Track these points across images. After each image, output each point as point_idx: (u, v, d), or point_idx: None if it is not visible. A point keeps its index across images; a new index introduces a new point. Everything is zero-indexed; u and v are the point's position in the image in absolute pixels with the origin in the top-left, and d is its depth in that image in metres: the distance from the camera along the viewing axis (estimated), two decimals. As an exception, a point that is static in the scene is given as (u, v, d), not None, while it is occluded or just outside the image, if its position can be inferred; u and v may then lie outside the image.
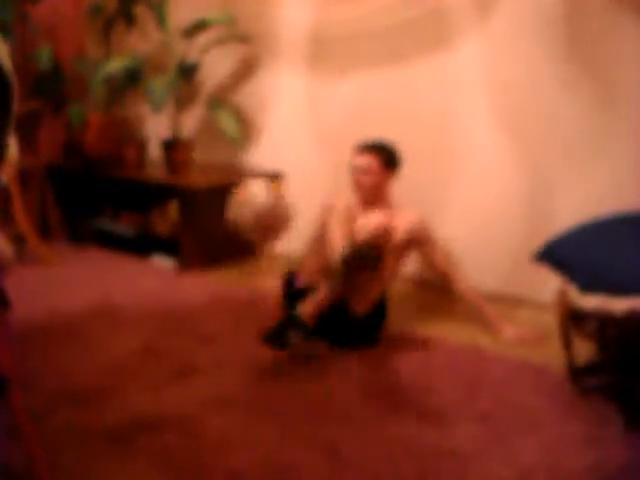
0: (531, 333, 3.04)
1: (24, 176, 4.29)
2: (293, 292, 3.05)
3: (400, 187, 3.31)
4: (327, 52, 4.05)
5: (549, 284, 2.71)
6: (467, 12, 3.48)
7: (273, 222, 3.23)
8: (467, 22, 3.49)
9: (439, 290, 3.30)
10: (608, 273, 2.30)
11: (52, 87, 4.59)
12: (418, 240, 3.13)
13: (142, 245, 4.45)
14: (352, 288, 2.87)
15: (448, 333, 3.08)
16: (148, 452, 2.07)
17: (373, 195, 3.22)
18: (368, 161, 3.18)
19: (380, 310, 3.03)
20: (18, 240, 4.04)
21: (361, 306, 2.93)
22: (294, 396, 2.45)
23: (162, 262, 4.24)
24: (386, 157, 3.21)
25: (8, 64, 1.48)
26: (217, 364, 2.71)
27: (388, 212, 3.16)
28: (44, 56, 4.44)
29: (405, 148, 3.28)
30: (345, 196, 3.21)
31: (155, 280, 3.87)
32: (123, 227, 4.60)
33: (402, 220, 3.11)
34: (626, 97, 3.10)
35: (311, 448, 2.10)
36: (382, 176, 3.21)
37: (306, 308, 2.77)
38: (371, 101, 3.88)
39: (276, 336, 2.68)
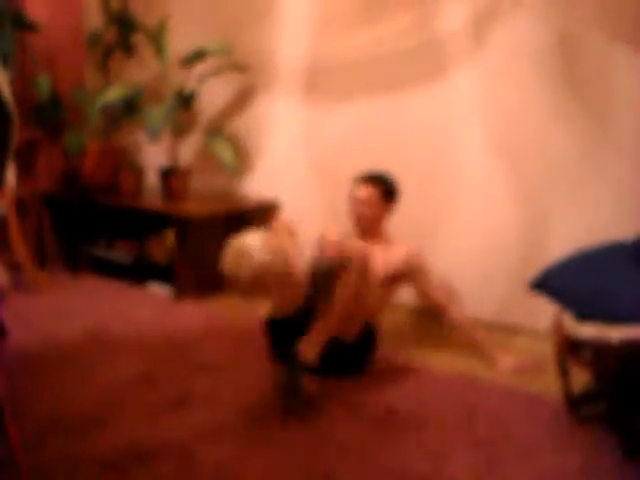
0: (527, 362, 3.03)
1: (21, 204, 4.31)
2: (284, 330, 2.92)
3: (395, 215, 3.33)
4: (323, 81, 4.08)
5: (545, 312, 2.71)
6: (462, 43, 3.52)
7: (273, 280, 2.80)
8: (462, 53, 3.52)
9: (435, 319, 3.30)
10: (603, 301, 2.30)
11: (50, 116, 4.62)
12: (413, 271, 3.14)
13: (138, 273, 4.45)
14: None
15: (444, 362, 3.08)
16: (142, 481, 2.05)
17: (371, 227, 3.23)
18: (368, 193, 3.20)
19: (369, 337, 2.99)
20: (14, 268, 4.04)
21: (348, 333, 2.88)
22: (290, 426, 2.44)
23: (158, 290, 4.23)
24: (386, 189, 3.23)
25: (8, 96, 1.49)
26: (213, 393, 2.69)
27: (383, 244, 3.19)
28: (43, 85, 4.48)
29: (400, 177, 3.30)
30: (338, 228, 3.22)
31: (151, 308, 3.86)
32: (119, 255, 4.61)
33: (397, 251, 3.14)
34: (619, 128, 3.13)
35: (304, 477, 2.09)
36: (381, 208, 3.23)
37: (309, 350, 2.66)
38: (367, 130, 3.91)
39: (293, 390, 2.56)
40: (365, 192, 3.21)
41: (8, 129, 1.50)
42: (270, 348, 3.01)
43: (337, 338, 2.83)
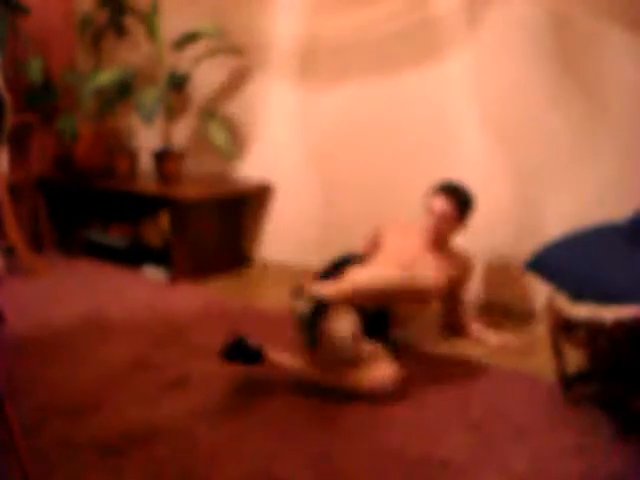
0: (515, 340, 3.05)
1: (15, 189, 4.29)
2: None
3: (390, 192, 3.33)
4: (317, 64, 4.07)
5: (539, 293, 2.73)
6: (456, 25, 3.51)
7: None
8: (456, 35, 3.51)
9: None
10: (597, 282, 2.32)
11: (43, 99, 4.60)
12: (460, 277, 3.16)
13: (133, 256, 4.45)
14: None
15: (442, 345, 3.10)
16: (140, 465, 2.06)
17: (442, 240, 3.16)
18: (448, 208, 3.09)
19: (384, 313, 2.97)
20: (9, 252, 4.04)
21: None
22: (284, 407, 2.45)
23: (153, 273, 4.24)
24: (463, 205, 3.13)
25: (1, 80, 1.49)
26: (210, 376, 2.70)
27: (444, 256, 3.16)
28: (35, 69, 4.45)
29: (395, 158, 3.31)
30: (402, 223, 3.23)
31: (146, 291, 3.86)
32: (114, 238, 4.60)
33: (455, 261, 3.16)
34: (612, 109, 3.13)
35: (301, 458, 2.11)
36: (456, 223, 3.15)
37: (330, 289, 2.58)
38: (361, 112, 3.90)
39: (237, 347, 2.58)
40: (445, 207, 3.09)
41: (1, 114, 1.49)
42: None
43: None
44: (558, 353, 2.53)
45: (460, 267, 3.16)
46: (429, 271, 3.00)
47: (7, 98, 1.50)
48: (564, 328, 2.43)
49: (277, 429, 2.30)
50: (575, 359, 2.55)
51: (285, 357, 2.66)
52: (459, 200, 3.11)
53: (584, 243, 2.55)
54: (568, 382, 2.54)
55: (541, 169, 3.34)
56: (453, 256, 3.18)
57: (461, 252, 3.21)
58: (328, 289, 2.57)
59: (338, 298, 2.56)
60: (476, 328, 3.15)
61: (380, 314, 2.91)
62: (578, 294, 2.35)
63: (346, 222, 3.99)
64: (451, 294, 3.17)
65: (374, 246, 3.24)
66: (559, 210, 3.28)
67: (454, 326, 3.21)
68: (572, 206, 3.24)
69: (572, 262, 2.48)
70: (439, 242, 3.15)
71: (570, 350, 2.51)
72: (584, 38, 3.15)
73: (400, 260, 3.01)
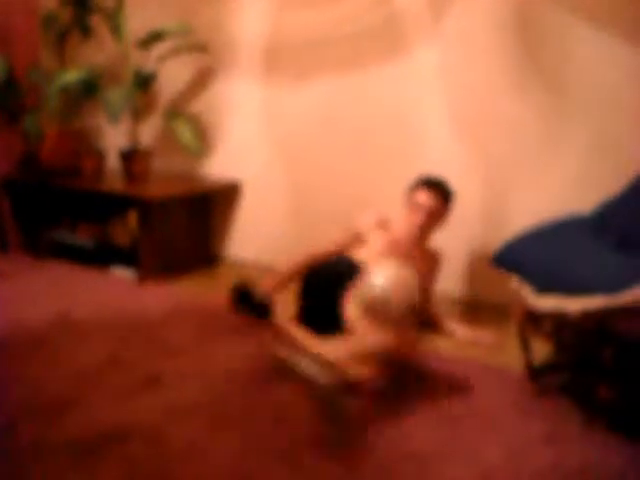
0: (486, 335, 3.07)
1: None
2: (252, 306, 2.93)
3: (358, 189, 3.35)
4: (284, 60, 4.08)
5: (508, 287, 2.76)
6: (421, 19, 3.54)
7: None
8: (422, 28, 3.55)
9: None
10: (561, 274, 2.36)
11: (7, 98, 4.54)
12: (430, 270, 3.20)
13: (101, 256, 4.42)
14: None
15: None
16: (114, 463, 2.06)
17: (425, 236, 3.17)
18: (431, 202, 3.09)
19: None
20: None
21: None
22: (255, 405, 2.46)
23: (122, 273, 4.21)
24: (445, 198, 3.14)
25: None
26: (182, 374, 2.70)
27: (424, 250, 3.19)
28: (-1, 67, 4.40)
29: (362, 154, 3.33)
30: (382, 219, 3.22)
31: (116, 291, 3.84)
32: (82, 239, 4.57)
33: (431, 255, 3.22)
34: (578, 102, 3.18)
35: (274, 454, 2.12)
36: (440, 217, 3.16)
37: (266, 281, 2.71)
38: (328, 109, 3.92)
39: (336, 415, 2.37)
40: (429, 201, 3.09)
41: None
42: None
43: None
44: (525, 345, 2.58)
45: (432, 262, 3.20)
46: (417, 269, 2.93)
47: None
48: (531, 320, 2.47)
49: (249, 426, 2.31)
50: (543, 350, 2.60)
51: (290, 325, 2.67)
52: (443, 194, 3.13)
53: (549, 235, 2.60)
54: (536, 373, 2.59)
55: (508, 163, 3.39)
56: (426, 251, 3.21)
57: (431, 247, 3.24)
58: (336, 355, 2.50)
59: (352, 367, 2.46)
60: (450, 324, 3.18)
61: None
62: (543, 286, 2.39)
63: (314, 219, 4.01)
64: (422, 290, 3.18)
65: (355, 240, 3.18)
66: (526, 203, 3.33)
67: (428, 321, 3.22)
68: (539, 199, 3.29)
69: (537, 254, 2.52)
70: (422, 238, 3.16)
71: (538, 342, 2.55)
72: (550, 31, 3.20)
73: (396, 256, 3.00)
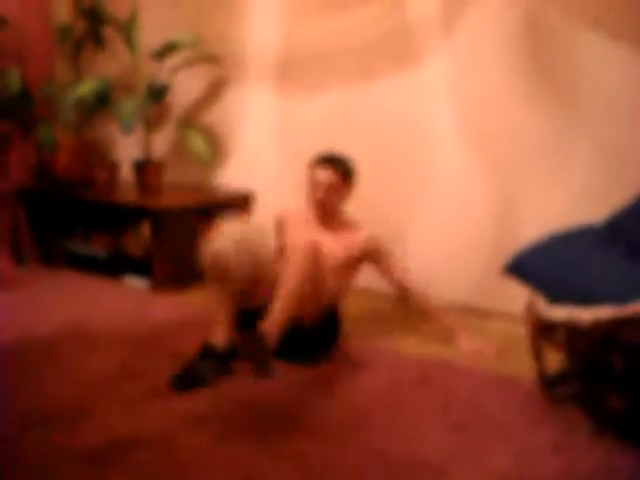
0: (489, 347, 3.07)
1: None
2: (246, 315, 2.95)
3: (369, 202, 3.36)
4: (295, 71, 4.10)
5: (519, 296, 2.76)
6: (432, 29, 3.56)
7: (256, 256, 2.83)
8: (433, 39, 3.56)
9: (405, 303, 3.33)
10: (575, 283, 2.35)
11: (21, 110, 4.58)
12: (373, 256, 3.17)
13: (114, 266, 4.45)
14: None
15: (418, 346, 3.13)
16: (125, 471, 2.06)
17: (331, 211, 3.21)
18: (327, 176, 3.13)
19: (330, 323, 3.02)
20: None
21: (309, 318, 2.90)
22: (265, 412, 2.46)
23: (135, 283, 4.23)
24: (343, 171, 3.17)
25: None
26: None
27: (342, 228, 3.20)
28: (13, 79, 4.44)
29: (373, 164, 3.33)
30: (295, 208, 3.29)
31: (128, 301, 3.86)
32: (95, 249, 4.59)
33: (357, 234, 3.17)
34: (588, 112, 3.18)
35: (284, 462, 2.12)
36: (342, 192, 3.19)
37: (269, 329, 2.67)
38: (340, 118, 3.93)
39: (188, 376, 2.67)
40: (324, 175, 3.14)
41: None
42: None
43: (299, 324, 2.85)
44: (538, 354, 2.56)
45: (361, 236, 3.17)
46: (334, 249, 3.08)
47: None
48: (543, 330, 2.46)
49: (258, 434, 2.31)
50: (554, 360, 2.58)
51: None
52: (341, 168, 3.16)
53: (561, 245, 2.59)
54: (548, 383, 2.58)
55: (518, 173, 3.38)
56: (351, 228, 3.22)
57: (360, 228, 3.23)
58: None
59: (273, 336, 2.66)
60: (451, 326, 3.17)
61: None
62: (556, 296, 2.38)
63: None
64: (381, 271, 3.20)
65: (279, 237, 3.30)
66: (537, 213, 3.33)
67: (399, 293, 3.26)
68: (550, 209, 3.28)
69: (549, 264, 2.51)
70: (330, 215, 3.20)
71: (549, 351, 2.54)
72: (559, 41, 3.20)
73: (311, 235, 3.03)
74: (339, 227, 3.22)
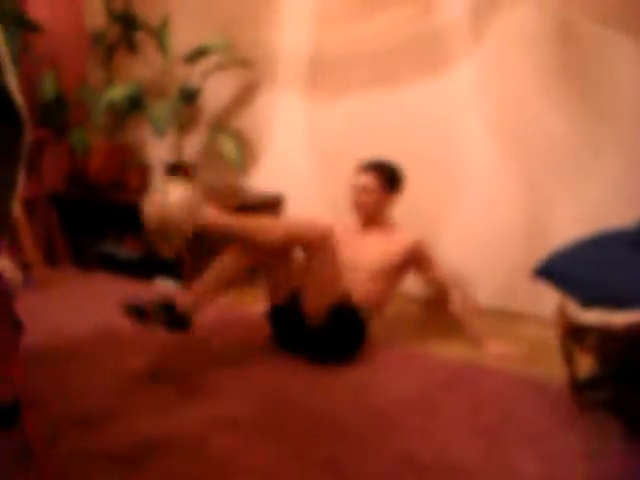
0: (515, 351, 3.07)
1: (29, 203, 4.34)
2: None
3: (400, 205, 3.36)
4: (325, 74, 4.11)
5: (549, 298, 2.74)
6: (462, 33, 3.55)
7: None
8: (462, 43, 3.55)
9: (440, 307, 3.32)
10: (606, 288, 2.33)
11: (56, 115, 4.65)
12: (416, 259, 3.17)
13: (146, 268, 4.49)
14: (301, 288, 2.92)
15: (449, 349, 3.12)
16: (156, 475, 2.08)
17: (372, 215, 3.24)
18: (367, 180, 3.19)
19: (340, 322, 2.96)
20: (24, 266, 4.08)
21: (312, 315, 2.91)
22: (295, 417, 2.47)
23: (166, 285, 4.27)
24: (386, 177, 3.22)
25: (20, 100, 1.53)
26: (224, 385, 2.73)
27: (386, 233, 3.22)
28: (48, 85, 4.51)
29: (404, 168, 3.33)
30: (342, 220, 3.32)
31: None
32: (127, 251, 4.64)
33: (401, 239, 3.16)
34: (619, 114, 3.16)
35: (314, 466, 2.13)
36: (381, 196, 3.22)
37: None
38: (370, 122, 3.94)
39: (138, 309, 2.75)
40: (364, 179, 3.20)
41: (22, 134, 1.54)
42: (275, 336, 3.11)
43: (305, 321, 2.91)
44: (569, 359, 2.55)
45: (407, 241, 3.17)
46: (373, 252, 3.11)
47: (27, 118, 1.54)
48: (574, 334, 2.45)
49: (289, 439, 2.32)
50: (585, 364, 2.57)
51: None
52: (381, 172, 3.20)
53: (593, 249, 2.57)
54: (579, 387, 2.56)
55: (548, 177, 3.37)
56: (395, 233, 3.24)
57: (406, 233, 3.24)
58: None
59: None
60: (476, 333, 3.16)
61: None
62: (588, 300, 2.37)
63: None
64: (422, 274, 3.22)
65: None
66: (568, 216, 3.31)
67: (439, 298, 3.26)
68: (581, 212, 3.26)
69: (581, 268, 2.50)
70: (371, 219, 3.24)
71: (580, 355, 2.52)
72: (589, 46, 3.19)
73: (344, 260, 3.04)
74: (382, 232, 3.25)
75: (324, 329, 2.91)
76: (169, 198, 2.80)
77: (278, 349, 3.08)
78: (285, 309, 3.01)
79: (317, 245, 2.81)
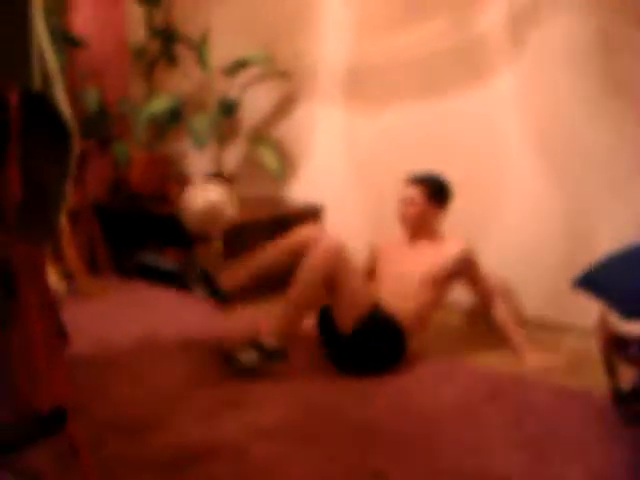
0: (556, 360, 3.04)
1: (73, 214, 4.42)
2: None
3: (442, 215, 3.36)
4: (364, 85, 4.13)
5: (593, 309, 2.72)
6: (502, 44, 3.54)
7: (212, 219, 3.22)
8: (501, 53, 3.55)
9: (484, 317, 3.31)
10: (649, 299, 2.31)
11: (99, 128, 4.73)
12: (463, 269, 3.16)
13: (185, 279, 4.53)
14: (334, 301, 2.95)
15: (493, 361, 3.11)
16: (198, 481, 2.10)
17: (418, 228, 3.25)
18: (414, 193, 3.22)
19: (373, 332, 2.96)
20: (67, 276, 4.16)
21: (344, 324, 2.92)
22: (337, 427, 2.48)
23: (204, 295, 4.30)
24: (433, 190, 3.23)
25: (69, 114, 1.57)
26: (264, 394, 2.75)
27: (433, 245, 3.21)
28: (92, 98, 4.60)
29: (443, 176, 3.34)
30: (391, 240, 3.38)
31: (199, 313, 3.93)
32: (167, 261, 4.70)
33: (448, 250, 3.16)
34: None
35: (358, 476, 2.13)
36: (427, 208, 3.23)
37: (272, 329, 2.88)
38: (408, 133, 3.94)
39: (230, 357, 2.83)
40: (410, 192, 3.23)
41: (70, 147, 1.58)
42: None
43: (334, 329, 2.96)
44: (611, 370, 2.52)
45: (455, 251, 3.17)
46: (420, 264, 3.13)
47: (76, 131, 1.58)
48: (617, 345, 2.42)
49: (330, 448, 2.32)
50: (628, 376, 2.54)
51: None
52: (427, 185, 3.22)
53: (634, 260, 2.54)
54: (622, 399, 2.53)
55: (590, 185, 3.34)
56: (444, 244, 3.24)
57: (453, 241, 3.24)
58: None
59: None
60: (519, 344, 3.13)
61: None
62: (631, 311, 2.34)
63: (395, 242, 4.02)
64: (469, 283, 3.23)
65: (372, 265, 3.38)
66: (611, 227, 3.28)
67: (481, 307, 3.27)
68: (623, 223, 3.23)
69: (624, 279, 2.47)
70: (419, 231, 3.26)
71: (623, 367, 2.50)
72: (630, 52, 3.16)
73: (391, 273, 3.16)
74: (430, 244, 3.25)
75: (356, 339, 2.92)
76: (207, 195, 2.93)
77: (321, 359, 3.09)
78: (323, 318, 3.05)
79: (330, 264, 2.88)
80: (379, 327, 2.96)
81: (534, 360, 3.04)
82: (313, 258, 2.88)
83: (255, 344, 2.85)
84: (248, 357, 2.78)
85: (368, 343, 2.94)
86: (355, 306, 2.92)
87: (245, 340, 2.88)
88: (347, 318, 2.91)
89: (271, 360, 2.83)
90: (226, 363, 2.83)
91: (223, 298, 2.86)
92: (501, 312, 3.17)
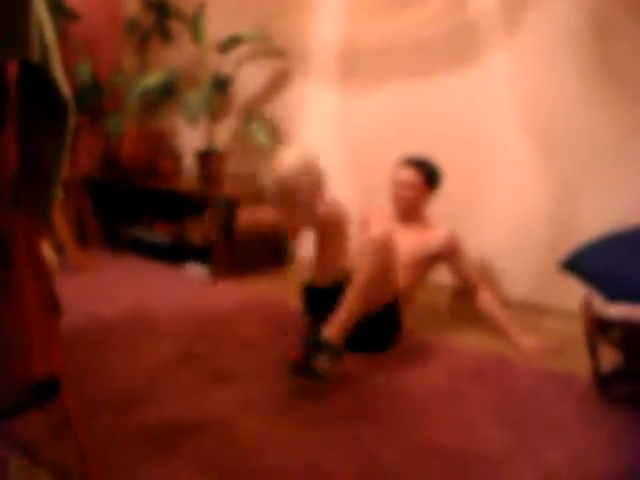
0: (550, 345, 3.07)
1: (63, 187, 4.42)
2: (315, 303, 3.06)
3: (433, 200, 3.39)
4: (358, 66, 4.13)
5: (575, 292, 2.76)
6: (495, 25, 3.55)
7: (295, 199, 2.90)
8: (495, 35, 3.55)
9: (468, 298, 3.34)
10: (633, 283, 2.35)
11: (91, 101, 4.72)
12: (449, 253, 3.22)
13: (176, 253, 4.56)
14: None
15: (476, 341, 3.15)
16: (188, 455, 2.13)
17: (410, 210, 3.31)
18: (411, 176, 3.27)
19: (390, 316, 3.01)
20: (57, 249, 4.17)
21: (369, 311, 2.87)
22: (326, 403, 2.51)
23: (196, 270, 4.34)
24: (427, 173, 3.30)
25: (66, 87, 1.58)
26: (252, 369, 2.78)
27: (422, 228, 3.27)
28: (84, 71, 4.58)
29: (434, 158, 3.37)
30: (382, 209, 3.41)
31: (189, 288, 3.96)
32: (158, 236, 4.72)
33: (436, 234, 3.23)
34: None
35: (343, 452, 2.17)
36: (422, 192, 3.30)
37: (331, 330, 2.67)
38: (402, 115, 3.95)
39: (305, 366, 2.58)
40: (408, 175, 3.28)
41: (67, 121, 1.59)
42: (305, 310, 3.15)
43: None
44: (594, 353, 2.57)
45: (441, 236, 3.23)
46: (410, 246, 3.19)
47: (72, 106, 1.59)
48: (599, 328, 2.47)
49: (319, 423, 2.36)
50: (611, 359, 2.58)
51: None
52: (421, 168, 3.29)
53: (621, 244, 2.58)
54: (603, 381, 2.58)
55: (579, 170, 3.37)
56: (431, 228, 3.32)
57: (440, 228, 3.29)
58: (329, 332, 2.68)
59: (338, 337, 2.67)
60: (514, 332, 3.14)
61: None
62: (614, 294, 2.39)
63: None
64: (453, 268, 3.25)
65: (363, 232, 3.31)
66: (596, 211, 3.31)
67: (466, 290, 3.30)
68: (609, 207, 3.26)
69: (608, 262, 2.51)
70: (410, 213, 3.32)
71: (606, 349, 2.54)
72: (625, 38, 3.16)
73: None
74: (418, 226, 3.33)
75: (374, 321, 2.91)
76: (284, 164, 2.90)
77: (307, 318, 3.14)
78: (321, 292, 3.04)
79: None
80: (390, 308, 3.00)
81: (528, 346, 3.06)
82: (364, 263, 2.76)
83: (321, 345, 2.65)
84: (323, 364, 2.59)
85: (381, 323, 2.98)
86: (389, 293, 2.94)
87: (305, 343, 2.71)
88: (379, 304, 2.89)
89: (339, 359, 2.68)
90: (305, 376, 2.59)
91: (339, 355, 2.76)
92: (486, 301, 3.21)
